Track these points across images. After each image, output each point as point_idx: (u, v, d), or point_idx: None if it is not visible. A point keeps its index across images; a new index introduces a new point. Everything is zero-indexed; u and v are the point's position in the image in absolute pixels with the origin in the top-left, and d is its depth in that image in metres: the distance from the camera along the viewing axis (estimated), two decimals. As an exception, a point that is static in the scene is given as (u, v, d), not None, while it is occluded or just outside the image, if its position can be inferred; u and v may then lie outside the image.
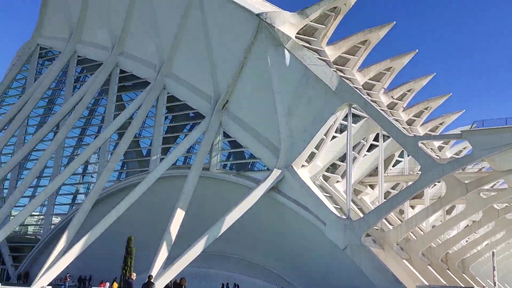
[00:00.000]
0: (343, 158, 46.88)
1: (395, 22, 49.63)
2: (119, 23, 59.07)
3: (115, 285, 42.56)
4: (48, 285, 43.87)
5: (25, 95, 65.53)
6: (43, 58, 72.19)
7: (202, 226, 42.28)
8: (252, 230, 46.07)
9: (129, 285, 17.01)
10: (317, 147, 44.83)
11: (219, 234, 41.57)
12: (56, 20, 68.65)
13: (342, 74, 47.32)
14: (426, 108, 60.23)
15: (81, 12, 63.34)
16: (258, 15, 45.51)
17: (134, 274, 18.09)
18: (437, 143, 61.68)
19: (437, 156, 57.21)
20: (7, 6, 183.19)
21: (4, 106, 73.32)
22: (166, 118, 57.17)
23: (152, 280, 16.99)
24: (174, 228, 43.13)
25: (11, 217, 57.64)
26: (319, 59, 45.04)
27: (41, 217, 66.26)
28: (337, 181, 48.62)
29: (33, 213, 61.23)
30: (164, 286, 38.13)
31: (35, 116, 68.98)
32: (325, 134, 44.57)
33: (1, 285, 47.11)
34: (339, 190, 47.44)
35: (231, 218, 41.73)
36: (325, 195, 43.85)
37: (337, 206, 44.10)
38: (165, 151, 54.47)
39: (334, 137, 46.20)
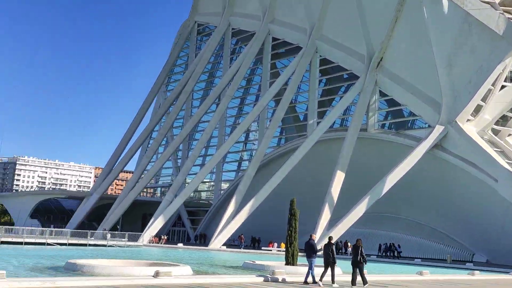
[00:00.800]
0: (515, 109, 42.81)
1: None
2: (268, -9, 60.05)
3: (283, 245, 44.42)
4: (223, 245, 47.58)
5: (188, 71, 70.30)
6: (201, 34, 76.54)
7: (362, 188, 42.07)
8: (415, 189, 44.66)
9: (311, 246, 17.21)
10: (484, 99, 41.41)
11: (381, 195, 41.04)
12: (210, -3, 72.10)
13: (510, 16, 42.74)
14: None
15: (232, -15, 65.65)
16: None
17: (315, 235, 18.20)
18: None
19: None
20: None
21: (171, 83, 79.67)
22: (320, 81, 57.38)
23: (332, 241, 17.15)
24: (335, 190, 43.67)
25: (186, 184, 63.14)
26: (482, 2, 41.12)
27: (212, 183, 71.54)
28: (509, 135, 44.58)
29: (204, 180, 66.40)
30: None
31: (198, 90, 73.90)
32: (493, 85, 40.95)
33: (183, 245, 52.23)
34: (512, 144, 43.55)
35: (393, 178, 40.89)
36: (495, 150, 40.59)
37: (510, 161, 40.59)
38: (321, 115, 54.80)
39: (503, 86, 42.26)
